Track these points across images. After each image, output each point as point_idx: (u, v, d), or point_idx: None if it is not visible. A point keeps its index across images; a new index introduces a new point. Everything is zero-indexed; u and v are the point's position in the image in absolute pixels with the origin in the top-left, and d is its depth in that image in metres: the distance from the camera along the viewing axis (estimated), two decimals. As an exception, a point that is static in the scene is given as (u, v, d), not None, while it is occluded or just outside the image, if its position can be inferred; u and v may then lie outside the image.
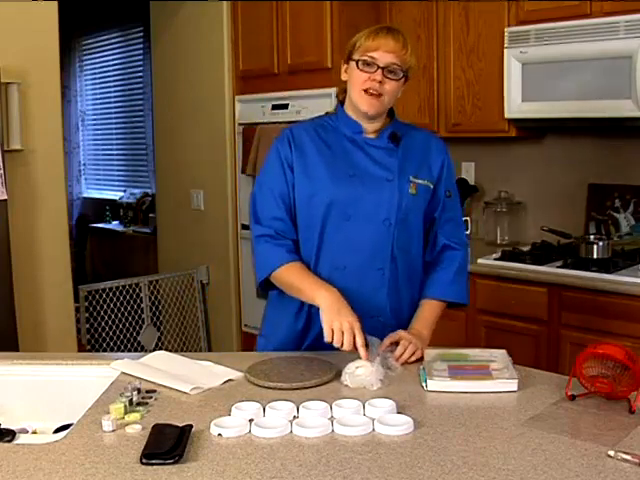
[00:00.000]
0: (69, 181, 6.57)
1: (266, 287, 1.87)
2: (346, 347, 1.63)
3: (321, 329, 1.74)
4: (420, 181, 1.87)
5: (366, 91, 1.78)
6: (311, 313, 1.85)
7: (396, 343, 1.75)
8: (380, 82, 1.77)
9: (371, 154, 1.85)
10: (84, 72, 6.86)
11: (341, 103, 1.92)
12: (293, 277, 1.80)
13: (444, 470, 1.18)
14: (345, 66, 1.86)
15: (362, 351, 1.62)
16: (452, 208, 1.96)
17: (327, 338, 1.65)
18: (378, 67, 1.77)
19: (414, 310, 1.93)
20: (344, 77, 1.87)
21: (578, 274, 2.72)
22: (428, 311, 1.90)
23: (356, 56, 1.80)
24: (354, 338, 1.63)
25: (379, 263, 1.84)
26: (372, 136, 1.87)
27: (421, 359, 1.71)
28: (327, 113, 1.98)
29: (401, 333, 1.78)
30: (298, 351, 1.85)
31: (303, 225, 1.85)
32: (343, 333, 1.63)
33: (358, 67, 1.78)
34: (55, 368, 1.76)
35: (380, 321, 1.83)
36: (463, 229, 2.06)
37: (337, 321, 1.64)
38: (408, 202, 1.85)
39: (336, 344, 1.64)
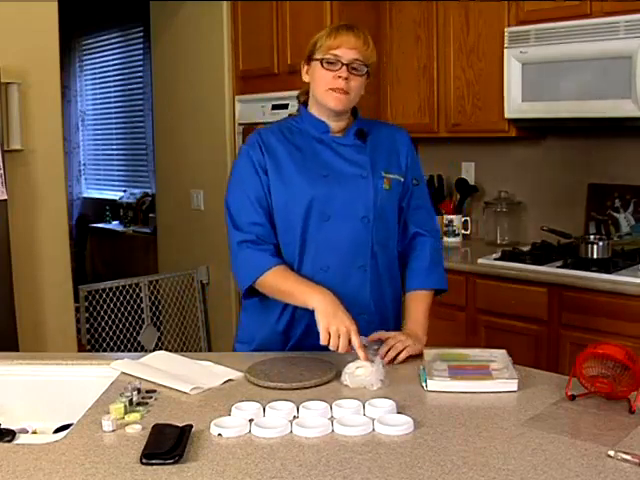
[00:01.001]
0: (69, 181, 6.57)
1: (248, 294, 1.84)
2: (341, 350, 1.63)
3: (305, 329, 1.79)
4: (392, 175, 1.88)
5: (333, 89, 1.78)
6: (294, 315, 1.84)
7: (382, 341, 1.76)
8: (346, 79, 1.77)
9: (341, 152, 1.85)
10: (84, 72, 6.87)
11: (303, 104, 1.91)
12: (282, 281, 1.77)
13: (444, 470, 1.18)
14: (306, 67, 1.85)
15: (361, 353, 1.62)
16: (420, 196, 1.97)
17: (323, 341, 1.64)
18: (342, 64, 1.77)
19: (397, 304, 1.95)
20: (305, 78, 1.86)
21: (578, 274, 2.72)
22: (416, 306, 1.90)
23: (319, 55, 1.79)
24: (350, 341, 1.63)
25: (360, 261, 1.85)
26: (339, 135, 1.87)
27: (418, 356, 1.71)
28: (290, 115, 1.97)
29: (390, 334, 1.78)
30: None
31: (282, 229, 1.84)
32: (339, 336, 1.63)
33: (323, 66, 1.78)
34: (55, 368, 1.76)
35: (365, 319, 1.82)
36: (433, 217, 2.05)
37: (334, 325, 1.63)
38: (383, 198, 1.85)
39: (332, 347, 1.64)
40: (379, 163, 1.87)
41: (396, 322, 1.97)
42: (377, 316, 1.86)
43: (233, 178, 1.89)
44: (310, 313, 1.73)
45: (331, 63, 1.77)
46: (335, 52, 1.77)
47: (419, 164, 2.00)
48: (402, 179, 1.91)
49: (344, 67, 1.76)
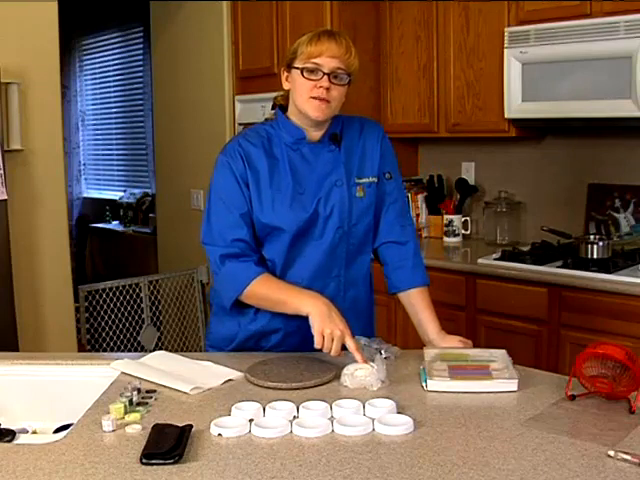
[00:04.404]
0: (69, 181, 6.57)
1: (233, 305, 1.81)
2: (333, 354, 1.63)
3: (281, 339, 1.83)
4: (365, 180, 1.86)
5: (314, 98, 1.74)
6: (269, 325, 1.84)
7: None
8: (327, 89, 1.73)
9: (315, 161, 1.82)
10: (84, 72, 6.87)
11: (280, 108, 1.87)
12: (270, 290, 1.75)
13: (444, 470, 1.18)
14: (286, 74, 1.81)
15: (358, 356, 1.61)
16: (394, 189, 1.94)
17: (317, 344, 1.64)
18: (323, 74, 1.72)
19: (371, 305, 1.97)
20: (286, 86, 1.82)
21: (578, 274, 2.72)
22: (429, 311, 1.89)
23: (299, 64, 1.74)
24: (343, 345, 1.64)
25: (335, 271, 1.85)
26: (314, 141, 1.83)
27: (418, 356, 1.71)
28: (267, 119, 1.94)
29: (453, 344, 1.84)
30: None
31: (263, 245, 1.82)
32: (333, 339, 1.63)
33: (303, 75, 1.74)
34: (55, 368, 1.76)
35: None
36: (408, 210, 2.05)
37: (328, 328, 1.63)
38: (358, 206, 1.84)
39: (325, 351, 1.64)
40: (353, 169, 1.85)
41: (370, 322, 1.99)
42: (352, 321, 1.80)
43: (215, 191, 1.83)
44: (286, 323, 1.78)
45: (312, 72, 1.73)
46: (316, 61, 1.72)
47: (393, 157, 1.95)
48: (376, 180, 1.89)
49: (325, 76, 1.72)
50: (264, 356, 1.77)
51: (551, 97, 2.94)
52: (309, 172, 1.81)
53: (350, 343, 1.63)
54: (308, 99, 1.75)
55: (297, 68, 1.75)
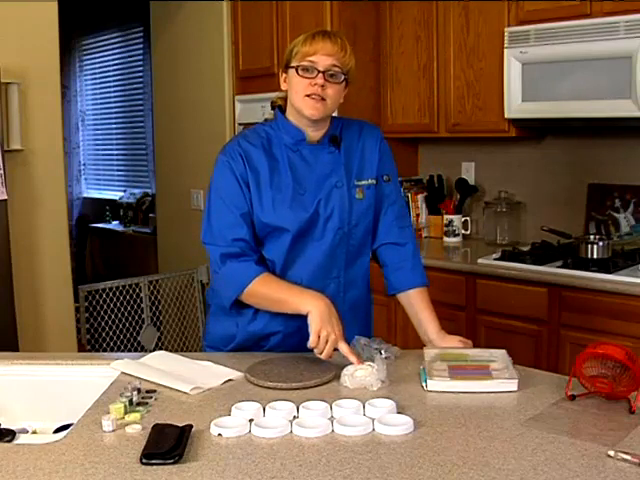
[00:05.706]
0: (69, 181, 6.57)
1: (231, 307, 1.81)
2: (324, 357, 1.65)
3: (284, 336, 1.82)
4: (364, 182, 1.87)
5: (309, 96, 1.75)
6: (268, 326, 1.84)
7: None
8: (322, 86, 1.73)
9: (315, 162, 1.82)
10: (84, 72, 6.87)
11: (280, 109, 1.88)
12: (271, 289, 1.76)
13: (444, 470, 1.18)
14: (284, 76, 1.82)
15: (352, 358, 1.62)
16: (393, 192, 1.94)
17: (311, 344, 1.65)
18: (318, 71, 1.73)
19: (368, 305, 1.97)
20: (284, 87, 1.83)
21: (578, 274, 2.72)
22: (429, 310, 1.89)
23: (295, 63, 1.76)
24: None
25: (335, 272, 1.85)
26: (314, 142, 1.83)
27: (418, 356, 1.71)
28: (266, 120, 1.94)
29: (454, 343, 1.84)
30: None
31: (263, 245, 1.82)
32: (327, 342, 1.63)
33: (298, 73, 1.75)
34: (55, 368, 1.76)
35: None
36: (407, 211, 2.07)
37: (325, 330, 1.63)
38: (357, 207, 1.85)
39: (317, 351, 1.65)
40: (352, 170, 1.85)
41: (368, 323, 1.99)
42: (351, 321, 1.82)
43: (215, 191, 1.84)
44: (286, 325, 1.78)
45: (307, 70, 1.74)
46: (311, 59, 1.74)
47: (391, 160, 1.96)
48: (375, 182, 1.89)
49: (320, 74, 1.73)
50: (264, 356, 1.77)
51: (551, 97, 2.94)
52: (309, 173, 1.82)
53: (343, 347, 1.64)
54: (303, 97, 1.76)
55: (293, 67, 1.77)
